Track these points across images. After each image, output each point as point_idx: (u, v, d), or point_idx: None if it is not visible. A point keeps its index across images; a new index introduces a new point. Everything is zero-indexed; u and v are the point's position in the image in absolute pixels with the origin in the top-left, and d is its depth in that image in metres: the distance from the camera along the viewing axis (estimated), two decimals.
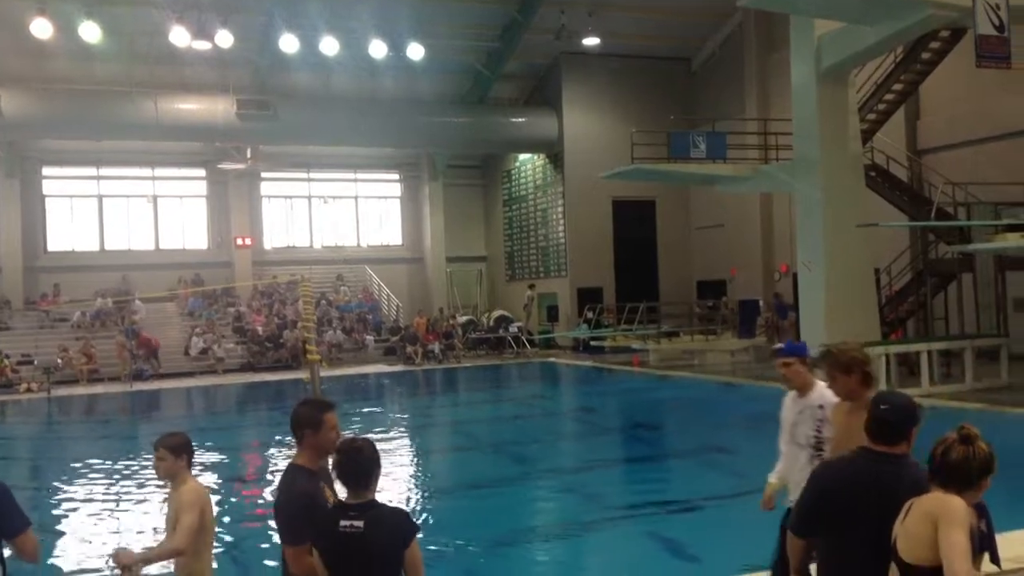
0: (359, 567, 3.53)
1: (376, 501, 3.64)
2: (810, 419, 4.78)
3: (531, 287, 31.19)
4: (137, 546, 8.24)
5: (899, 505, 3.21)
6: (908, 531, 3.11)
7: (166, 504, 4.68)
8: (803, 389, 4.82)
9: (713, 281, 29.97)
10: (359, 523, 3.52)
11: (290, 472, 4.06)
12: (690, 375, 21.86)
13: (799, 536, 3.64)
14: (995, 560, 3.77)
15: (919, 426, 3.47)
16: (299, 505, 3.83)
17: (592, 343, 27.04)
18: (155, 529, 8.33)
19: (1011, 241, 15.97)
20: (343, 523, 3.54)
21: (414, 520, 3.70)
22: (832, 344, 4.29)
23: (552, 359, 27.79)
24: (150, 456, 4.70)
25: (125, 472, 12.41)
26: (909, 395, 3.70)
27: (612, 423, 17.17)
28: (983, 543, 3.63)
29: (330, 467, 3.81)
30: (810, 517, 3.58)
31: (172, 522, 4.49)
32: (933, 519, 3.02)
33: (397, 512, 3.72)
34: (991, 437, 3.41)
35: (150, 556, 4.48)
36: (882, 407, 3.43)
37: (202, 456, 13.81)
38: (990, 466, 3.19)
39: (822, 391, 4.56)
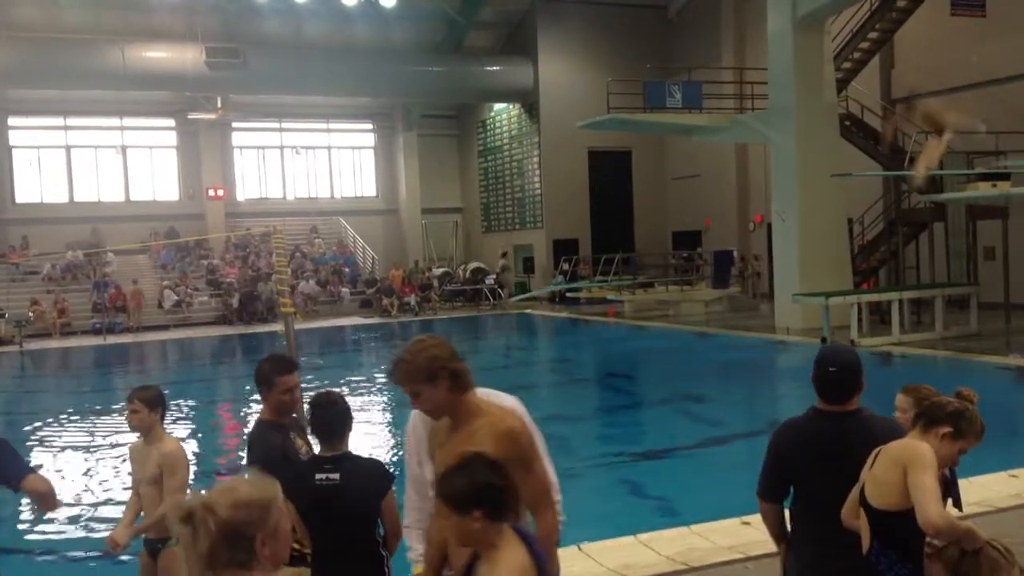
0: (336, 519, 3.54)
1: (350, 453, 3.65)
2: None
3: (504, 255, 31.06)
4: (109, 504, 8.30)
5: (859, 457, 3.21)
6: (876, 477, 3.14)
7: (132, 456, 4.59)
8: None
9: (688, 232, 30.04)
10: (335, 475, 3.53)
11: (258, 427, 4.03)
12: (665, 325, 21.99)
13: (767, 501, 3.58)
14: (958, 505, 3.88)
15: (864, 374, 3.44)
16: (274, 459, 3.77)
17: (568, 295, 27.11)
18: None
19: (982, 190, 16.11)
20: (319, 476, 3.54)
21: (389, 471, 3.71)
22: (405, 351, 3.07)
23: (528, 311, 27.85)
24: (123, 409, 4.64)
25: (100, 425, 12.37)
26: (848, 346, 3.67)
27: (587, 373, 17.28)
28: (947, 489, 3.71)
29: (305, 419, 3.80)
30: (772, 480, 3.53)
31: (148, 477, 4.43)
32: (902, 465, 3.05)
33: (373, 463, 3.73)
34: (960, 384, 3.46)
35: (145, 526, 4.46)
36: (831, 369, 3.34)
37: (176, 410, 13.80)
38: (981, 428, 3.26)
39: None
